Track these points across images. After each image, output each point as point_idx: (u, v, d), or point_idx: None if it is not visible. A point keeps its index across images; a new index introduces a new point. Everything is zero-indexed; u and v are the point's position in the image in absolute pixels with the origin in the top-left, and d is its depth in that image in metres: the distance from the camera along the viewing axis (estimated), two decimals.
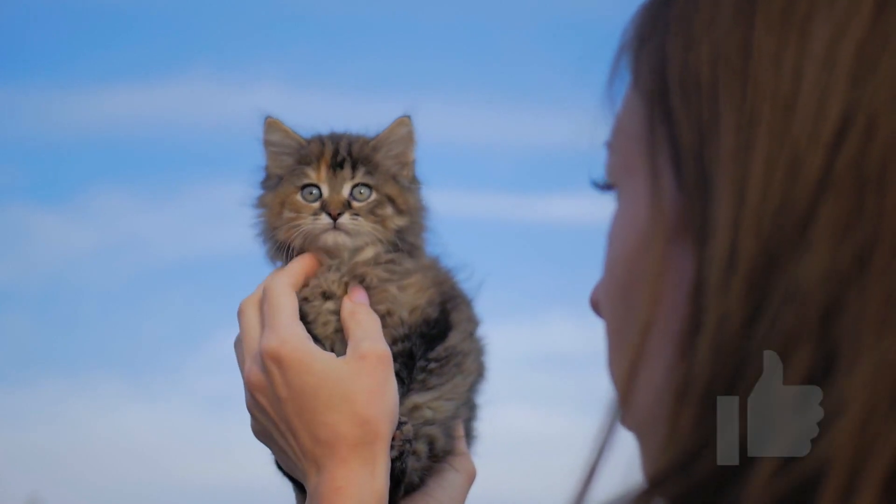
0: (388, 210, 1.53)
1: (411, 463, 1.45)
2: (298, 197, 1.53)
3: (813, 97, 0.60)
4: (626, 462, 0.64)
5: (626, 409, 0.65)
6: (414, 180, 1.58)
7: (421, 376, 1.51)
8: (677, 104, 0.64)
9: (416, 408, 1.49)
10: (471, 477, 1.52)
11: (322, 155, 1.54)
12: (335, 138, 1.57)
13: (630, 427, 0.66)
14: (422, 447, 1.47)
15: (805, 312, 0.58)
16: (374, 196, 1.53)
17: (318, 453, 1.37)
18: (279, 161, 1.57)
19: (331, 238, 1.51)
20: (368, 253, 1.52)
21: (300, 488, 1.46)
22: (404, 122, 1.57)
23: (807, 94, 0.60)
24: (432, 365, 1.51)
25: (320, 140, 1.57)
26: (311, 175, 1.53)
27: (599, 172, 0.73)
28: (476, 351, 1.58)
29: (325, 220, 1.51)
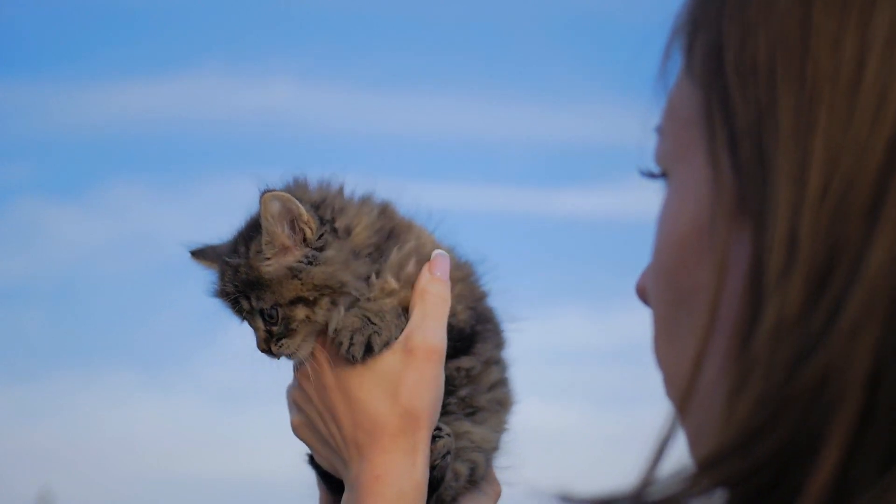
0: (302, 312, 1.41)
1: (449, 478, 1.44)
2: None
3: (876, 79, 0.60)
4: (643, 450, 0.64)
5: (687, 397, 0.64)
6: (318, 235, 1.42)
7: (468, 410, 1.49)
8: (734, 88, 0.63)
9: (467, 432, 1.49)
10: (498, 496, 1.53)
11: (221, 294, 1.46)
12: (223, 271, 1.45)
13: (681, 411, 0.66)
14: (463, 469, 1.47)
15: (873, 298, 0.58)
16: (281, 312, 1.41)
17: (360, 441, 1.38)
18: None
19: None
20: (359, 350, 1.40)
21: (331, 487, 1.47)
22: (266, 200, 1.40)
23: (869, 77, 0.60)
24: (481, 400, 1.49)
25: (219, 273, 1.47)
26: (235, 313, 1.46)
27: (647, 161, 0.72)
28: (509, 381, 1.56)
29: (267, 355, 1.45)
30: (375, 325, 1.40)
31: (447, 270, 1.45)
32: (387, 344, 1.41)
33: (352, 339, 1.40)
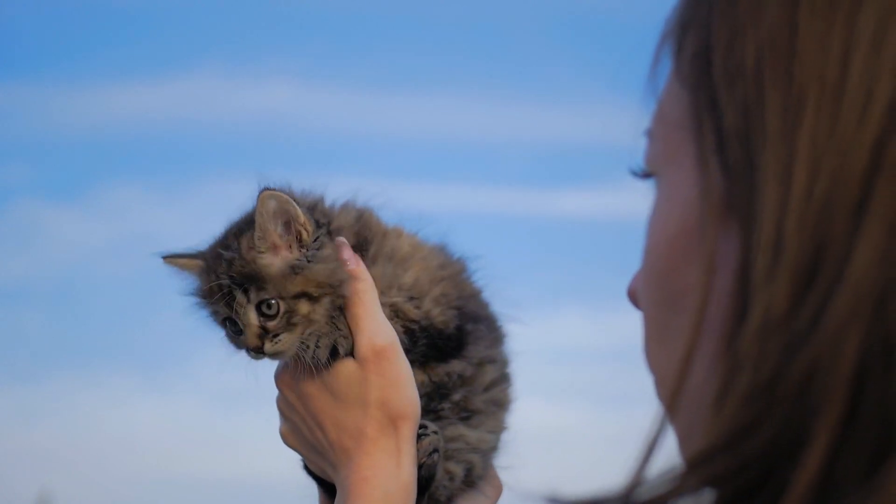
0: (305, 307, 1.40)
1: (441, 477, 1.45)
2: (225, 336, 1.45)
3: (862, 80, 0.60)
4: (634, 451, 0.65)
5: (676, 397, 0.65)
6: (314, 238, 1.42)
7: (463, 414, 1.49)
8: (722, 89, 0.64)
9: (462, 435, 1.49)
10: (498, 496, 1.54)
11: (211, 289, 1.43)
12: (214, 262, 1.43)
13: (671, 411, 0.66)
14: (458, 470, 1.48)
15: (858, 297, 0.58)
16: (282, 306, 1.39)
17: (345, 444, 1.39)
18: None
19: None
20: (324, 353, 1.41)
21: (328, 491, 1.47)
22: (264, 197, 1.41)
23: (855, 77, 0.60)
24: (477, 402, 1.49)
25: (206, 269, 1.45)
26: (221, 310, 1.43)
27: (637, 161, 0.73)
28: (510, 377, 1.56)
29: (251, 355, 1.42)
30: (341, 329, 1.41)
31: (348, 252, 1.43)
32: None
33: (317, 342, 1.40)
